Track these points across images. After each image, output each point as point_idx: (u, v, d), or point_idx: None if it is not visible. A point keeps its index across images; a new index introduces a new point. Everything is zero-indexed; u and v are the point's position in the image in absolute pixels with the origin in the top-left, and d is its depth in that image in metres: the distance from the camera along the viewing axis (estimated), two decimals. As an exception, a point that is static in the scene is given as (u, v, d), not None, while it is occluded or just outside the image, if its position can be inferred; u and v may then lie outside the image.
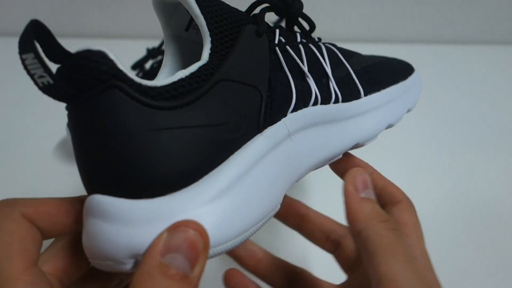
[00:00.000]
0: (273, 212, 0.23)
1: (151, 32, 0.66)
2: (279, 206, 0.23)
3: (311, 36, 0.30)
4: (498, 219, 0.43)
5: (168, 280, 0.17)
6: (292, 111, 0.25)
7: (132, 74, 0.19)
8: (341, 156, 0.28)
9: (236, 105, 0.22)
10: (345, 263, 0.29)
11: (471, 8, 0.73)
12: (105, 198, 0.18)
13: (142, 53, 0.52)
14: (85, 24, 0.73)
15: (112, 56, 0.18)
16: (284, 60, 0.26)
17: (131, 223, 0.18)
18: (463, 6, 0.73)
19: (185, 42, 0.27)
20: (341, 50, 0.31)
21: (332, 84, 0.27)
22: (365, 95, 0.29)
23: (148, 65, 0.52)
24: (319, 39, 0.30)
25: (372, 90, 0.30)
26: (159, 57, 0.51)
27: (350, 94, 0.28)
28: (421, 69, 0.66)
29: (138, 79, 0.19)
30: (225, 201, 0.20)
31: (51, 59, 0.19)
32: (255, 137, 0.22)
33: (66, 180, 0.45)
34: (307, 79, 0.26)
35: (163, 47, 0.51)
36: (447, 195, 0.45)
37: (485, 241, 0.42)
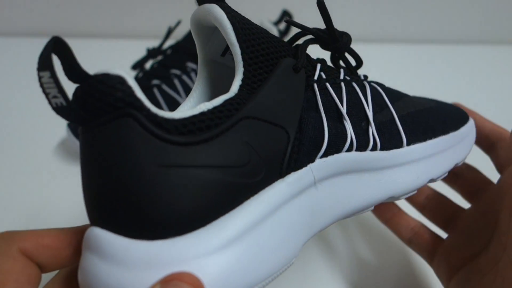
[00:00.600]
0: (287, 266, 0.21)
1: (151, 32, 0.66)
2: (293, 260, 0.21)
3: (356, 73, 0.27)
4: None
5: None
6: (321, 157, 0.22)
7: (149, 103, 0.18)
8: (372, 208, 0.26)
9: (258, 146, 0.20)
10: (466, 192, 0.33)
11: (471, 8, 0.73)
12: (103, 233, 0.17)
13: (142, 53, 0.52)
14: (85, 24, 0.73)
15: (130, 82, 0.17)
16: (321, 98, 0.23)
17: (125, 266, 0.17)
18: (463, 6, 0.73)
19: (220, 67, 0.26)
20: (388, 91, 0.28)
21: (372, 129, 0.25)
22: (408, 144, 0.26)
23: (148, 65, 0.52)
24: (365, 77, 0.28)
25: (416, 139, 0.27)
26: (159, 57, 0.51)
27: (390, 142, 0.25)
28: (421, 69, 0.66)
29: (155, 109, 0.18)
30: (232, 252, 0.18)
31: (70, 79, 0.18)
32: (275, 183, 0.21)
33: (66, 180, 0.45)
34: (344, 121, 0.24)
35: (164, 46, 0.51)
36: (448, 195, 0.45)
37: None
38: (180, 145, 0.18)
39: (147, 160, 0.17)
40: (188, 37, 0.50)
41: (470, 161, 0.33)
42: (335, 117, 0.24)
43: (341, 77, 0.26)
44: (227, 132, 0.19)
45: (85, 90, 0.17)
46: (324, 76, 0.24)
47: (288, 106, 0.22)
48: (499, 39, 0.74)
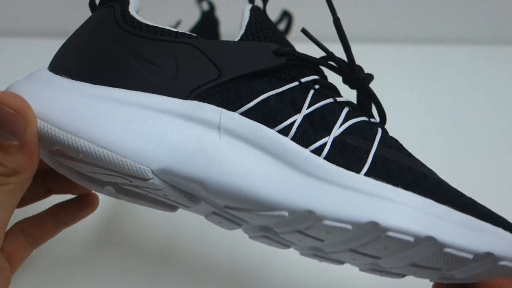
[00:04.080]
0: (118, 158, 0.20)
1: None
2: (149, 169, 0.20)
3: (365, 114, 0.26)
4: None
5: None
6: (242, 114, 0.22)
7: (133, 6, 0.25)
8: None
9: (182, 64, 0.22)
10: None
11: (471, 8, 0.73)
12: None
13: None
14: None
15: None
16: (292, 91, 0.23)
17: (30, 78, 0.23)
18: (463, 6, 0.73)
19: None
20: (391, 143, 0.24)
21: (328, 140, 0.22)
22: (367, 175, 0.22)
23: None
24: (382, 127, 0.25)
25: (385, 178, 0.22)
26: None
27: (341, 158, 0.22)
28: (421, 69, 0.66)
29: (132, 10, 0.24)
30: (87, 101, 0.21)
31: None
32: (172, 98, 0.22)
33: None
34: (296, 114, 0.23)
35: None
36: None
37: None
38: (126, 32, 0.23)
39: (101, 34, 0.23)
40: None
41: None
42: (293, 107, 0.23)
43: (338, 99, 0.25)
44: (166, 42, 0.23)
45: None
46: (316, 86, 0.24)
47: (238, 59, 0.23)
48: (499, 39, 0.74)
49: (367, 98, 0.26)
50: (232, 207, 0.22)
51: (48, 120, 0.20)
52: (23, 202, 0.27)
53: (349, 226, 0.21)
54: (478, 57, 0.69)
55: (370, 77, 0.26)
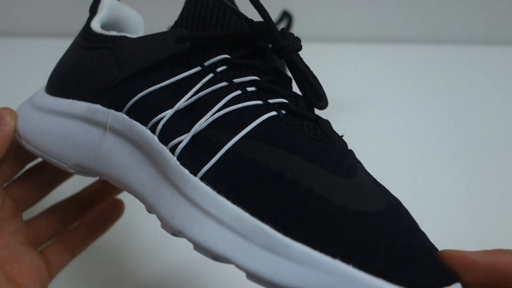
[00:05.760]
0: (54, 158, 0.25)
1: (151, 32, 0.66)
2: (67, 166, 0.25)
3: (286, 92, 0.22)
4: (499, 222, 0.43)
5: None
6: (125, 112, 0.23)
7: (99, 21, 0.28)
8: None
9: (98, 70, 0.25)
10: None
11: (471, 8, 0.73)
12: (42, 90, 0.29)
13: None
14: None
15: (95, 22, 0.28)
16: (186, 78, 0.22)
17: (32, 102, 0.28)
18: (463, 6, 0.73)
19: None
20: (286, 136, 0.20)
21: (186, 138, 0.20)
22: (202, 178, 0.19)
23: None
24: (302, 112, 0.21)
25: (216, 182, 0.19)
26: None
27: (188, 158, 0.20)
28: (421, 69, 0.66)
29: (97, 26, 0.27)
30: (35, 112, 0.27)
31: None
32: (84, 103, 0.25)
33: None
34: (169, 109, 0.21)
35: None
36: (447, 195, 0.45)
37: (487, 242, 0.42)
38: (80, 47, 0.27)
39: (70, 58, 0.27)
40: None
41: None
42: (172, 101, 0.22)
43: (235, 81, 0.21)
44: (95, 50, 0.26)
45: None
46: (217, 70, 0.22)
47: (138, 54, 0.24)
48: (499, 39, 0.74)
49: (290, 70, 0.22)
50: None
51: (16, 131, 0.27)
52: (31, 201, 0.30)
53: (171, 234, 0.20)
54: (478, 57, 0.69)
55: (294, 44, 0.21)
